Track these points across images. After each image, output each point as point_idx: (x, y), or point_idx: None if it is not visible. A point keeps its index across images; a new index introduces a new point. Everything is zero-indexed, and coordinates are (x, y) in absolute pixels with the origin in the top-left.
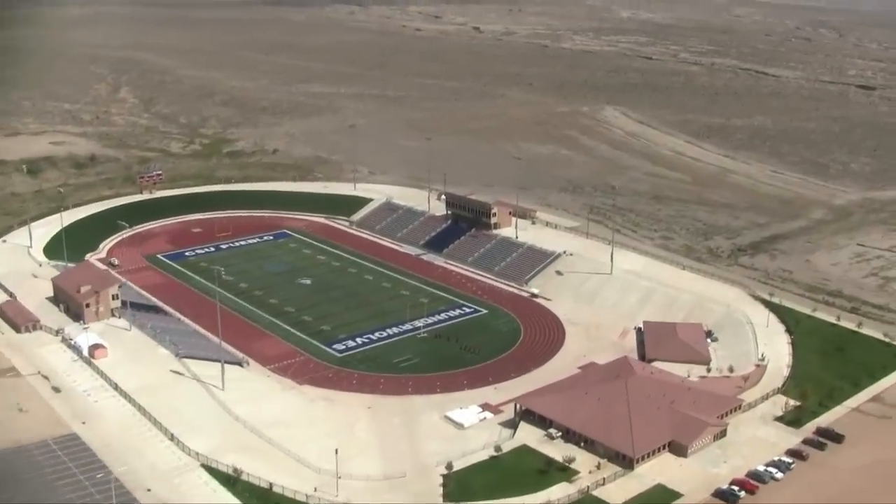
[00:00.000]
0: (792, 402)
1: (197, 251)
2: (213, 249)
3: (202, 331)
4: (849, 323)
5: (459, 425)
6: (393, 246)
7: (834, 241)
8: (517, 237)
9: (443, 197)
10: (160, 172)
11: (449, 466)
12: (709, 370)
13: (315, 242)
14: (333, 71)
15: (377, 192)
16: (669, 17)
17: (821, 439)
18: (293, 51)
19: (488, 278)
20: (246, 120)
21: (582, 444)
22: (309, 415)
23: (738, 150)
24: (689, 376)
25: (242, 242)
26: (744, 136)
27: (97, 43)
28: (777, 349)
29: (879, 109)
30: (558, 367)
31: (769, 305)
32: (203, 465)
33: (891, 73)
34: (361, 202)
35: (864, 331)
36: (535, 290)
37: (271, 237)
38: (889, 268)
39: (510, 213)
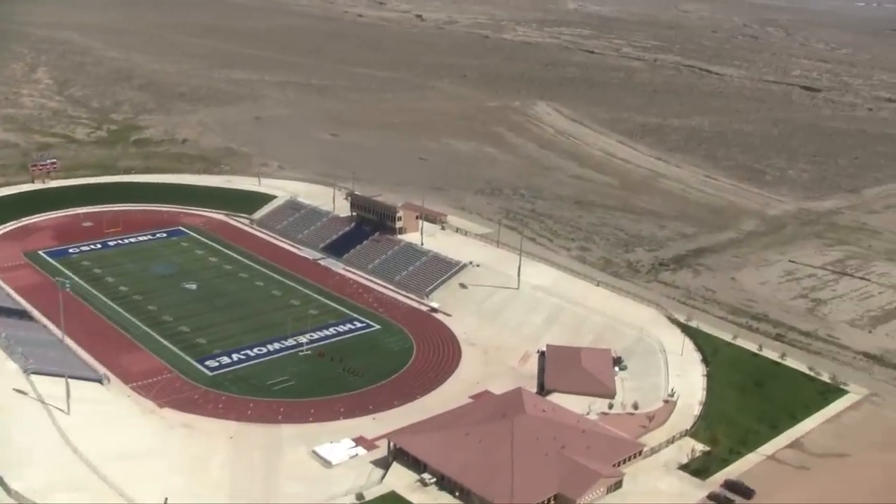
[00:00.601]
0: (700, 448)
1: (82, 248)
2: (99, 246)
3: (69, 341)
4: (772, 352)
5: (327, 463)
6: (292, 248)
7: (764, 257)
8: (422, 244)
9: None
10: (55, 161)
11: None
12: (611, 406)
13: (210, 242)
14: (262, 56)
15: (283, 189)
16: (616, 10)
17: (728, 494)
18: (226, 34)
19: (387, 288)
20: (160, 106)
21: (457, 493)
22: (162, 445)
23: (673, 152)
24: (588, 412)
25: (133, 240)
26: (679, 138)
27: (26, 20)
28: (690, 382)
29: (822, 112)
30: (448, 396)
31: (686, 330)
32: None
33: (836, 74)
34: (265, 199)
35: (788, 362)
36: (435, 305)
37: (165, 234)
38: (820, 288)
39: (417, 216)
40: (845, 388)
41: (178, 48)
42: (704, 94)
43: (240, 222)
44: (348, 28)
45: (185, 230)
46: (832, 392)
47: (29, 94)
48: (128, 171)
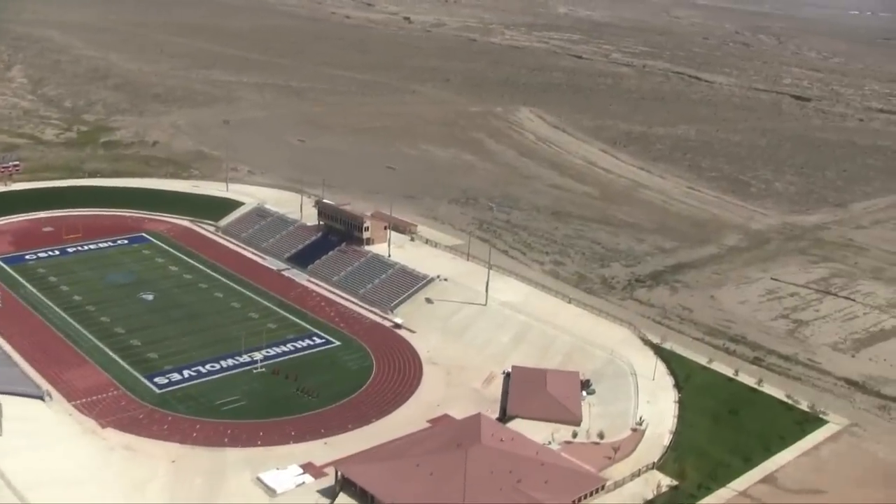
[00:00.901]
0: (667, 482)
1: (39, 254)
2: (58, 253)
3: (14, 355)
4: (748, 378)
5: (271, 491)
6: (256, 258)
7: (745, 274)
8: (389, 256)
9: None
10: (17, 163)
11: None
12: (575, 435)
13: (172, 250)
14: (243, 57)
15: (251, 195)
16: (608, 15)
17: None
18: (209, 34)
19: (351, 302)
20: (133, 107)
21: None
22: (100, 470)
23: (656, 161)
24: (551, 442)
25: (93, 246)
26: (664, 147)
27: (8, 17)
28: (660, 409)
29: (812, 122)
30: (405, 420)
31: (659, 352)
32: None
33: (827, 83)
34: (232, 205)
35: (765, 388)
36: (399, 320)
37: (126, 241)
38: (803, 308)
39: (385, 227)
40: (824, 417)
41: (158, 47)
42: (692, 101)
43: (205, 229)
44: (333, 29)
45: (148, 237)
46: (810, 422)
47: (1, 93)
48: (94, 175)
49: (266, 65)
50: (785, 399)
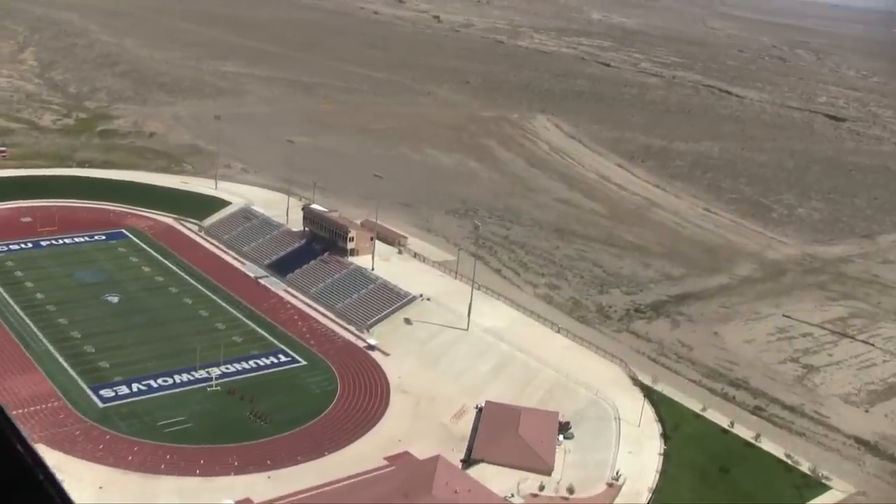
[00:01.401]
0: None
1: (11, 246)
2: (31, 246)
3: None
4: (745, 430)
5: None
6: (235, 262)
7: (755, 309)
8: (373, 269)
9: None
10: (4, 149)
11: None
12: (542, 487)
13: (149, 248)
14: (257, 49)
15: (240, 195)
16: (641, 24)
17: None
18: (229, 24)
19: (326, 317)
20: (137, 95)
21: None
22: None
23: (673, 179)
24: (514, 494)
25: (68, 240)
26: (684, 164)
27: None
28: (642, 461)
29: (845, 145)
30: (361, 455)
31: (649, 395)
32: None
33: (864, 103)
34: (220, 204)
35: (763, 444)
36: (373, 342)
37: (104, 237)
38: (816, 351)
39: (371, 237)
40: (827, 482)
41: (174, 35)
42: (720, 116)
43: (189, 228)
44: (358, 25)
45: (127, 233)
46: (811, 487)
47: (8, 75)
48: (83, 164)
49: (281, 58)
50: (784, 458)
